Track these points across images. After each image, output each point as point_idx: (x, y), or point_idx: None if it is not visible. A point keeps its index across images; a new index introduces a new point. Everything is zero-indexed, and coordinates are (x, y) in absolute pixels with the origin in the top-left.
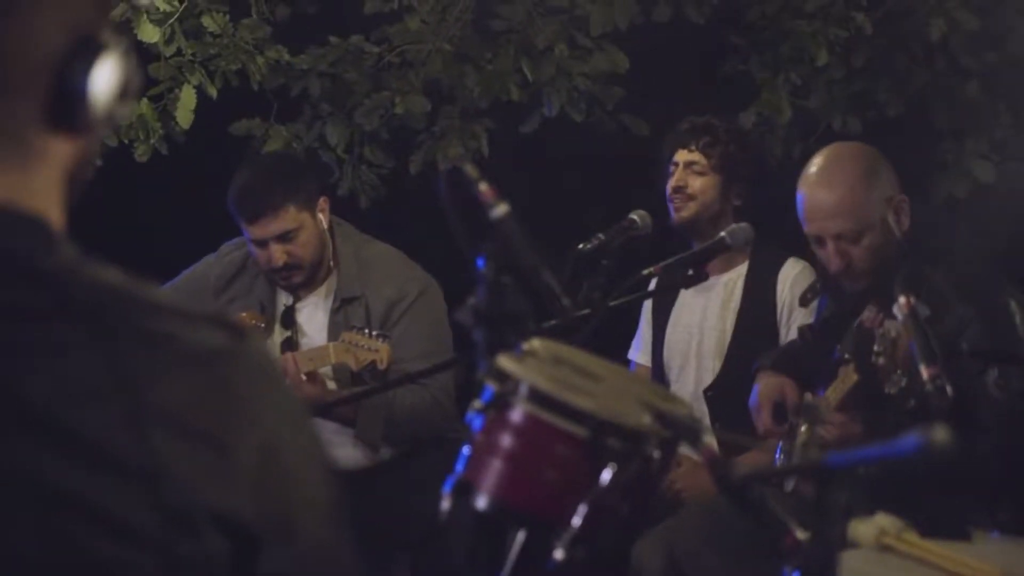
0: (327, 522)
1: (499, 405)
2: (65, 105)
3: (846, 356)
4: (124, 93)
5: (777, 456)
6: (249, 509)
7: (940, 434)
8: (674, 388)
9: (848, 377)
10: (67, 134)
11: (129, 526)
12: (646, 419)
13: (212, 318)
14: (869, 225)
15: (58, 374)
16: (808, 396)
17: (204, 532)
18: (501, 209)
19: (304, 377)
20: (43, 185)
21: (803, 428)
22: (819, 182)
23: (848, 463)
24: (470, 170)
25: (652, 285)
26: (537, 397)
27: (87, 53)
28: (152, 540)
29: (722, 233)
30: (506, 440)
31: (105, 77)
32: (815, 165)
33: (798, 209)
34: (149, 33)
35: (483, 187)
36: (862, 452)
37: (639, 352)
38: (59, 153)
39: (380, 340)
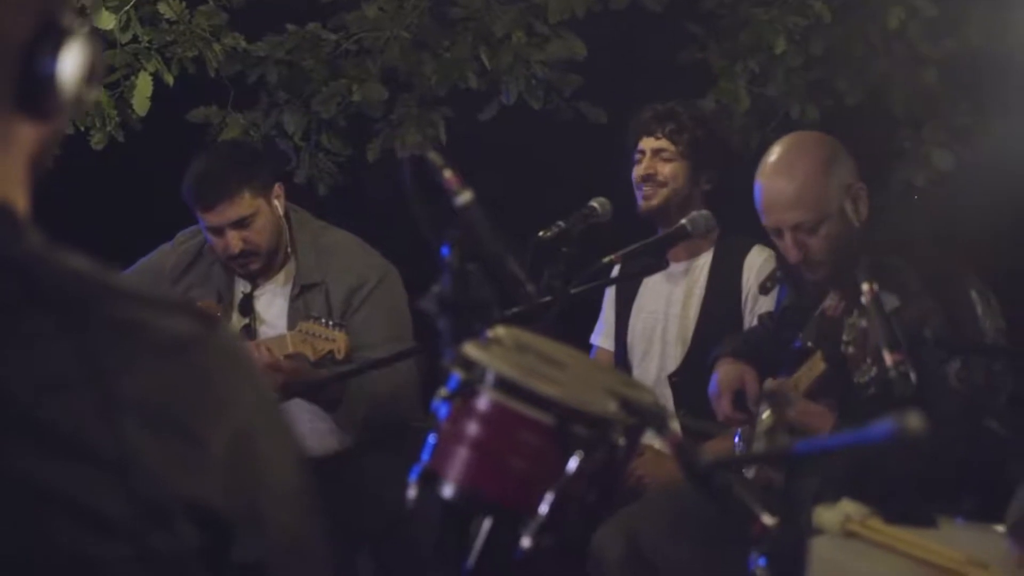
0: (300, 510)
1: (465, 393)
2: (33, 90)
3: (809, 344)
4: (90, 77)
5: (736, 443)
6: (222, 498)
7: (913, 420)
8: (637, 373)
9: (815, 365)
10: (34, 119)
11: (102, 517)
12: (612, 406)
13: (182, 305)
14: (826, 215)
15: (27, 364)
16: (769, 382)
17: (177, 522)
18: (465, 196)
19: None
20: (9, 171)
21: (765, 415)
22: (776, 172)
23: (819, 450)
24: (435, 157)
25: (615, 272)
26: (503, 385)
27: (52, 38)
28: (126, 531)
29: (682, 220)
30: (472, 428)
31: (71, 61)
32: (772, 155)
33: (756, 200)
34: (105, 20)
35: (448, 174)
36: (833, 439)
37: (601, 336)
38: (26, 138)
39: (337, 330)
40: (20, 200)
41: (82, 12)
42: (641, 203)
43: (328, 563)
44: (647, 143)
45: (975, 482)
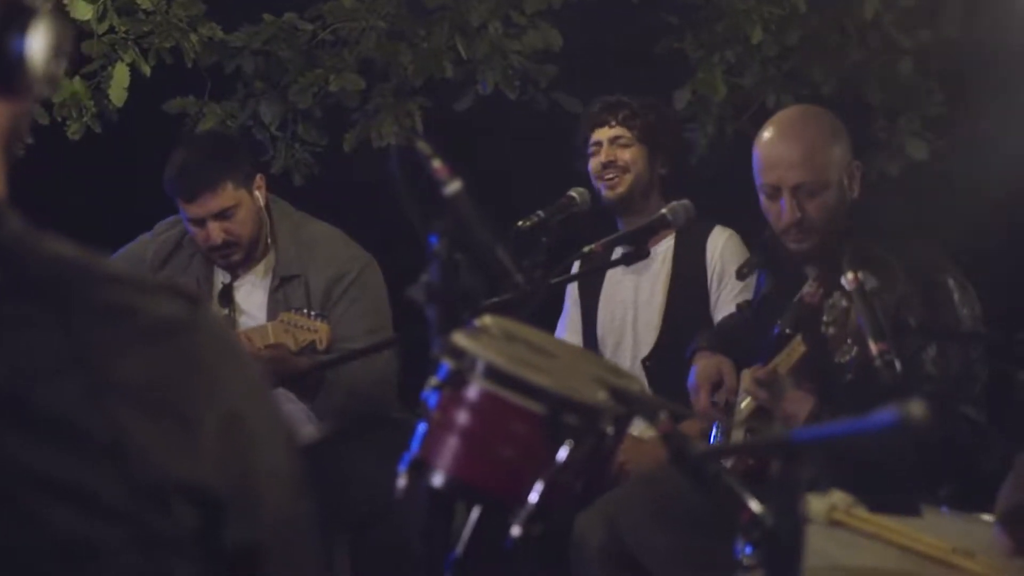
0: (292, 491)
1: (455, 382)
2: (5, 70)
3: (787, 331)
4: (57, 52)
5: (713, 432)
6: (215, 479)
7: (916, 409)
8: None
9: (796, 349)
10: (5, 97)
11: (97, 502)
12: (602, 395)
13: (168, 287)
14: (827, 181)
15: (16, 350)
16: (746, 374)
17: (172, 504)
18: (454, 186)
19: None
20: None
21: (743, 404)
22: (784, 134)
23: (816, 439)
24: (423, 147)
25: (576, 266)
26: (494, 374)
27: (19, 16)
28: (121, 514)
29: (663, 210)
30: (462, 417)
31: (39, 38)
32: (781, 118)
33: (755, 161)
34: (82, 11)
35: (436, 164)
36: (832, 427)
37: (566, 332)
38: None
39: (319, 320)
40: None
41: (58, 3)
42: (606, 192)
43: (319, 544)
44: (601, 133)
45: (952, 469)
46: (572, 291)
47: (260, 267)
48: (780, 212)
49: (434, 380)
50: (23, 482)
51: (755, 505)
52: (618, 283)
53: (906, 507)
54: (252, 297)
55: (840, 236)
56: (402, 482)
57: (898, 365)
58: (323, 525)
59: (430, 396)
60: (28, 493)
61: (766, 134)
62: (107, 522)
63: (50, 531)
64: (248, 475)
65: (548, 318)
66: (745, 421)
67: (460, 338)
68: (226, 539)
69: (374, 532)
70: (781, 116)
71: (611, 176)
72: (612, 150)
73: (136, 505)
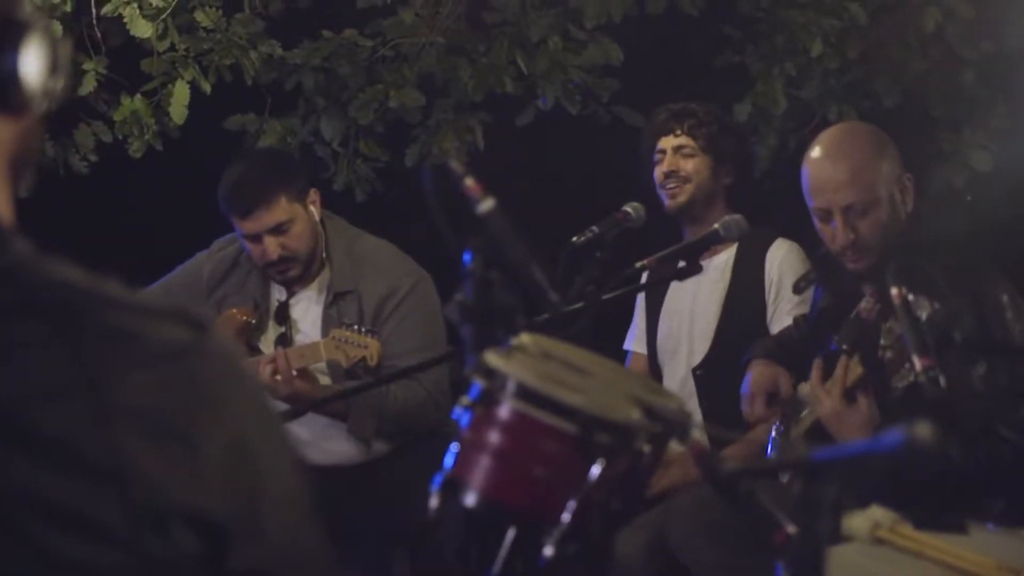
0: (298, 515)
1: (487, 402)
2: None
3: (844, 347)
4: (54, 68)
5: (770, 448)
6: (219, 505)
7: (923, 430)
8: (667, 372)
9: (853, 369)
10: (6, 116)
11: (98, 526)
12: (635, 414)
13: (175, 312)
14: (877, 199)
15: (21, 374)
16: (803, 386)
17: (175, 530)
18: (487, 204)
19: (295, 373)
20: None
21: (803, 416)
22: (828, 155)
23: (834, 458)
24: (456, 165)
25: (644, 278)
26: (525, 393)
27: (11, 34)
28: (122, 540)
29: (715, 225)
30: (494, 437)
31: (33, 55)
32: (824, 139)
33: (804, 185)
34: (142, 28)
35: (469, 182)
36: (847, 447)
37: (634, 341)
38: (1, 137)
39: (370, 336)
40: (3, 206)
41: (119, 21)
42: (668, 201)
43: (329, 568)
44: (666, 142)
45: (1001, 486)
46: (640, 302)
47: (315, 284)
48: (834, 234)
49: (465, 399)
50: (24, 505)
51: (791, 526)
52: (677, 293)
53: (951, 524)
54: (308, 314)
55: (896, 250)
56: (434, 501)
57: (943, 381)
58: (381, 539)
59: (462, 415)
60: (29, 516)
61: (812, 156)
62: (108, 547)
63: (50, 555)
64: (253, 501)
65: (614, 332)
66: (805, 434)
67: (492, 357)
68: (230, 565)
69: (420, 549)
70: (825, 136)
71: (672, 186)
72: (675, 159)
73: (138, 529)
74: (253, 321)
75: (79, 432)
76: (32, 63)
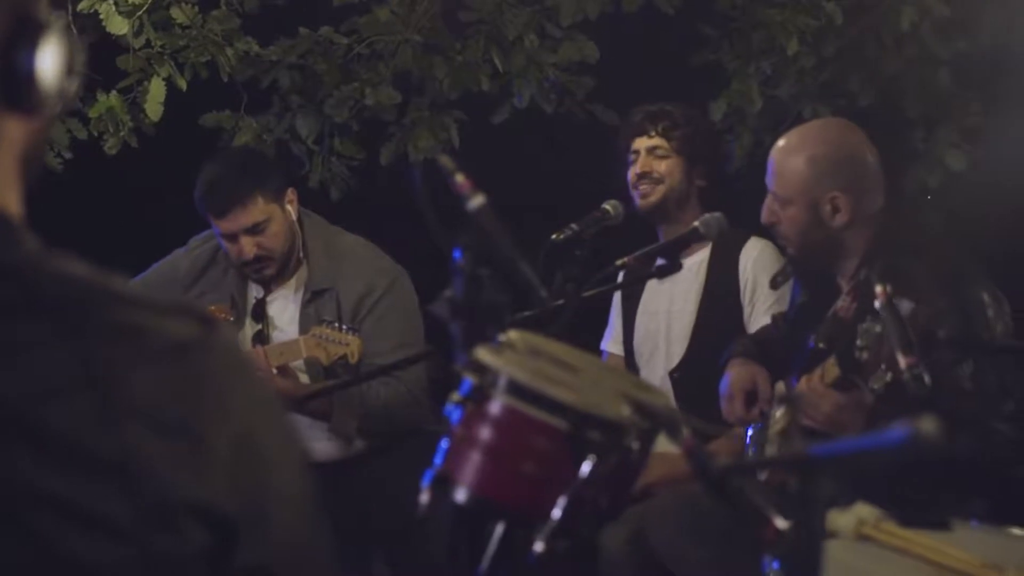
0: (304, 511)
1: (478, 398)
2: (15, 87)
3: (822, 346)
4: (70, 68)
5: (747, 445)
6: (225, 500)
7: (928, 425)
8: (644, 374)
9: (829, 370)
10: (20, 115)
11: (105, 522)
12: (626, 410)
13: (181, 308)
14: (792, 198)
15: (27, 370)
16: (780, 385)
17: (181, 525)
18: (477, 200)
19: (275, 371)
20: (1, 173)
21: (778, 415)
22: (783, 141)
23: (833, 454)
24: (446, 161)
25: (620, 277)
26: (516, 389)
27: (29, 33)
28: (129, 535)
29: (695, 223)
30: (485, 433)
31: (50, 55)
32: (795, 128)
33: None
34: (118, 25)
35: (459, 178)
36: (847, 443)
37: (610, 342)
38: (13, 136)
39: (351, 334)
40: (13, 204)
41: (94, 18)
42: (639, 201)
43: (333, 565)
44: (641, 142)
45: (985, 484)
46: (616, 301)
47: (292, 281)
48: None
49: (456, 396)
50: (32, 502)
51: (779, 520)
52: (655, 293)
53: (936, 521)
54: (285, 312)
55: (826, 252)
56: (425, 498)
57: (927, 379)
58: (360, 538)
59: (453, 412)
60: (37, 513)
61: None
62: (115, 542)
63: (58, 552)
64: (260, 496)
65: (591, 331)
66: (780, 433)
67: (483, 353)
68: (236, 560)
69: (405, 546)
70: (799, 126)
71: (645, 186)
72: (648, 161)
73: (145, 525)
74: (231, 318)
75: (86, 428)
76: (48, 63)
